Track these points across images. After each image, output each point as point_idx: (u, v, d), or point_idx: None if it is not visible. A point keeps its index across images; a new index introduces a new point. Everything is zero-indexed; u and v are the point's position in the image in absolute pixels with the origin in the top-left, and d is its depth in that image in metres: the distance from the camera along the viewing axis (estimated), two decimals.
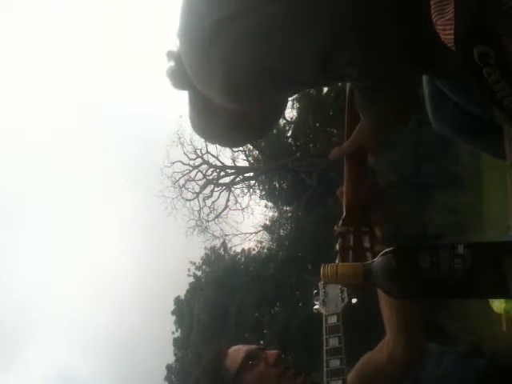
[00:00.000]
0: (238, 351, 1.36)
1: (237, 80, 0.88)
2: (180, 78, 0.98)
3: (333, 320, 1.16)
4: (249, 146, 14.53)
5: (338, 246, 1.06)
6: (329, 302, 1.20)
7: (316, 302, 1.24)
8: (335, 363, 1.06)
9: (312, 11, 0.80)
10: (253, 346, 1.38)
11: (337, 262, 1.04)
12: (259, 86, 0.90)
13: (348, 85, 1.14)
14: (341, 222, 1.09)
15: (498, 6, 0.66)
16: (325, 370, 1.06)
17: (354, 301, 1.24)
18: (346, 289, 1.20)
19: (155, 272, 19.46)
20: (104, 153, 27.60)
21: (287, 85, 0.93)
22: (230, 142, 1.24)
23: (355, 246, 1.06)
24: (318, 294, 1.25)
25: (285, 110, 1.19)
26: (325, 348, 1.10)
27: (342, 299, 1.20)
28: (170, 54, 0.99)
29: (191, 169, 14.55)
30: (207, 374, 1.38)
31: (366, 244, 1.06)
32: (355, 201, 1.11)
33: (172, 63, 1.00)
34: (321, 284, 1.25)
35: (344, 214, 1.10)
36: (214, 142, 1.23)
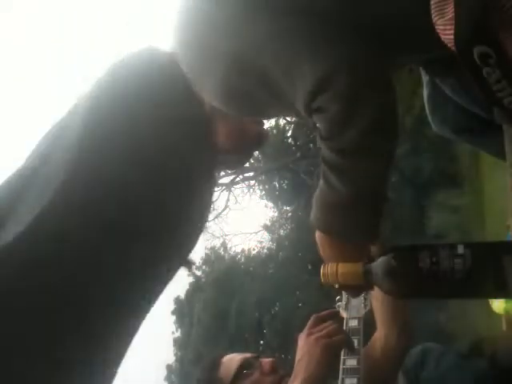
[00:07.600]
0: (231, 361, 1.34)
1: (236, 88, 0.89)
2: None
3: (354, 323, 1.19)
4: None
5: None
6: (351, 307, 1.22)
7: (338, 308, 1.26)
8: (352, 362, 1.08)
9: (318, 42, 0.82)
10: (247, 355, 1.36)
11: None
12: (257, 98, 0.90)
13: None
14: None
15: (497, 6, 0.67)
16: (341, 367, 1.08)
17: None
18: (368, 297, 1.22)
19: None
20: None
21: (273, 104, 0.93)
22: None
23: None
24: (340, 300, 1.27)
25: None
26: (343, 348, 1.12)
27: (365, 306, 1.23)
28: None
29: None
30: None
31: None
32: None
33: None
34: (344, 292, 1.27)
35: None
36: None
